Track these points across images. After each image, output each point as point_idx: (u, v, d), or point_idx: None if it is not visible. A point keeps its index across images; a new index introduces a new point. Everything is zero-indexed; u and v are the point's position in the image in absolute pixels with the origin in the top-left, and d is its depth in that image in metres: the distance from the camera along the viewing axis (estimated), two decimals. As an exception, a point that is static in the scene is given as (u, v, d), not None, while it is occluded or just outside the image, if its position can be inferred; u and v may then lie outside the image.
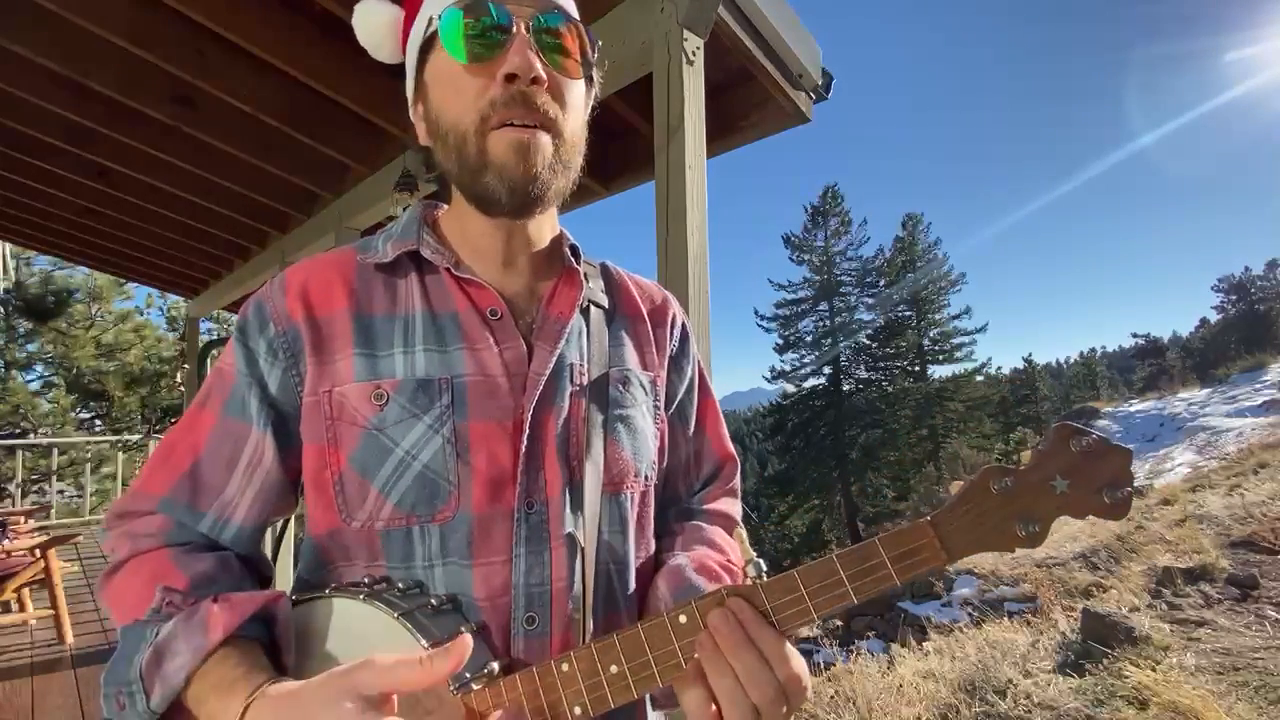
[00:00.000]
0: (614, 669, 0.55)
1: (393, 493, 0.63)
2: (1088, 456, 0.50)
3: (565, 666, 0.56)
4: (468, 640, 0.52)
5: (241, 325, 0.70)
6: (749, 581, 0.54)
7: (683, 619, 0.55)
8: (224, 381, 0.69)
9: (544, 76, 0.63)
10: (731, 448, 0.89)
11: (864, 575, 0.53)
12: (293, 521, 1.01)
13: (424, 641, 0.56)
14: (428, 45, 0.69)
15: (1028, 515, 0.50)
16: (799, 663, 0.55)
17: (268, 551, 0.76)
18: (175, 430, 0.71)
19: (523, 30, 0.63)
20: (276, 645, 0.60)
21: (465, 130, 0.65)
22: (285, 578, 3.36)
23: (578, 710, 0.56)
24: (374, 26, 0.76)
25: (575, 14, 0.70)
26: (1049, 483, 0.51)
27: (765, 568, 0.54)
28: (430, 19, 0.66)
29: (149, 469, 0.70)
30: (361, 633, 0.59)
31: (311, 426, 0.66)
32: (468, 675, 0.57)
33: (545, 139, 0.65)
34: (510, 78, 0.62)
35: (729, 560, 0.76)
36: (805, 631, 9.69)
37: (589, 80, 0.73)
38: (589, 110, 0.74)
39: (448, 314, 0.70)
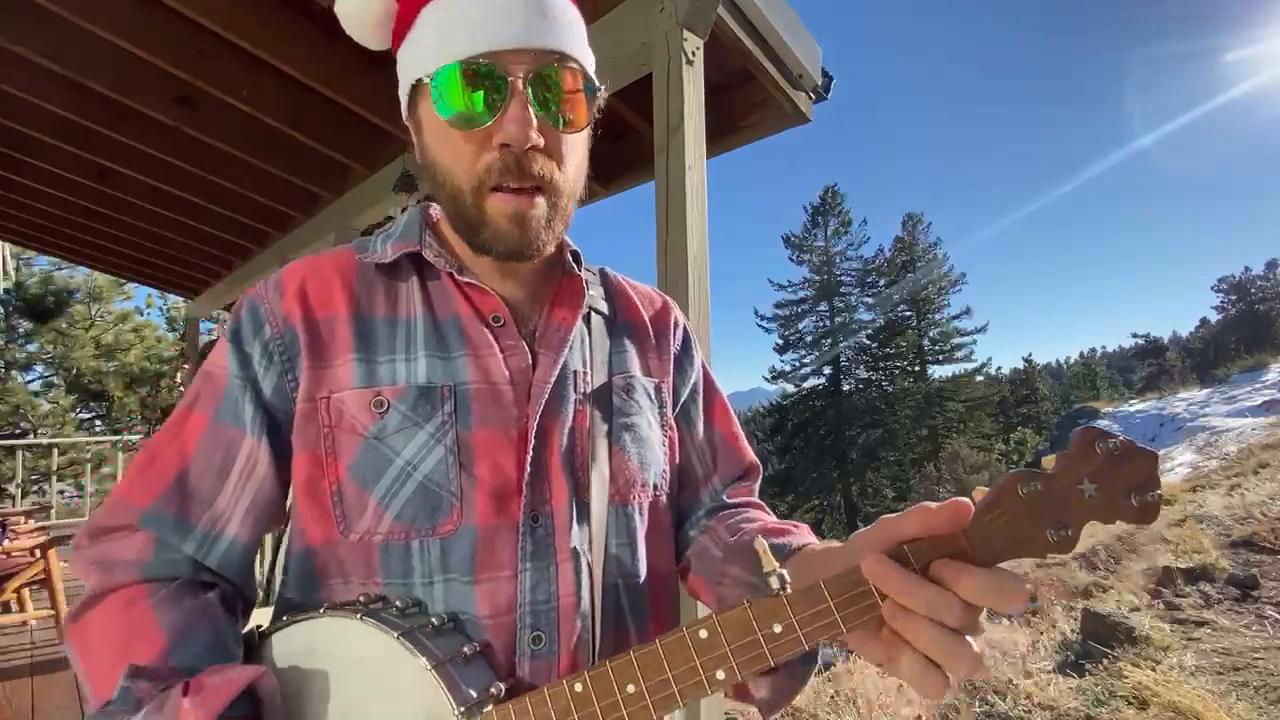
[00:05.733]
0: (631, 689, 0.52)
1: (392, 505, 0.61)
2: (1114, 460, 0.48)
3: (579, 687, 0.53)
4: None
5: (235, 328, 0.67)
6: (773, 594, 0.51)
7: (703, 634, 0.51)
8: (214, 385, 0.66)
9: (540, 142, 0.62)
10: (753, 455, 0.86)
11: None
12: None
13: (427, 663, 0.53)
14: (420, 89, 0.65)
15: (1058, 520, 0.49)
16: (974, 576, 0.48)
17: (267, 560, 0.74)
18: (160, 435, 0.66)
19: (520, 88, 0.60)
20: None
21: (460, 188, 0.64)
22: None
23: None
24: (358, 19, 0.69)
25: (577, 49, 0.65)
26: (1077, 486, 0.49)
27: (788, 579, 0.50)
28: (420, 78, 0.63)
29: (130, 478, 0.65)
30: (361, 655, 0.56)
31: (305, 434, 0.64)
32: (475, 696, 0.54)
33: (541, 202, 0.64)
34: (506, 145, 0.61)
35: (782, 523, 0.72)
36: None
37: (591, 111, 0.68)
38: (589, 139, 0.71)
39: (450, 318, 0.68)
